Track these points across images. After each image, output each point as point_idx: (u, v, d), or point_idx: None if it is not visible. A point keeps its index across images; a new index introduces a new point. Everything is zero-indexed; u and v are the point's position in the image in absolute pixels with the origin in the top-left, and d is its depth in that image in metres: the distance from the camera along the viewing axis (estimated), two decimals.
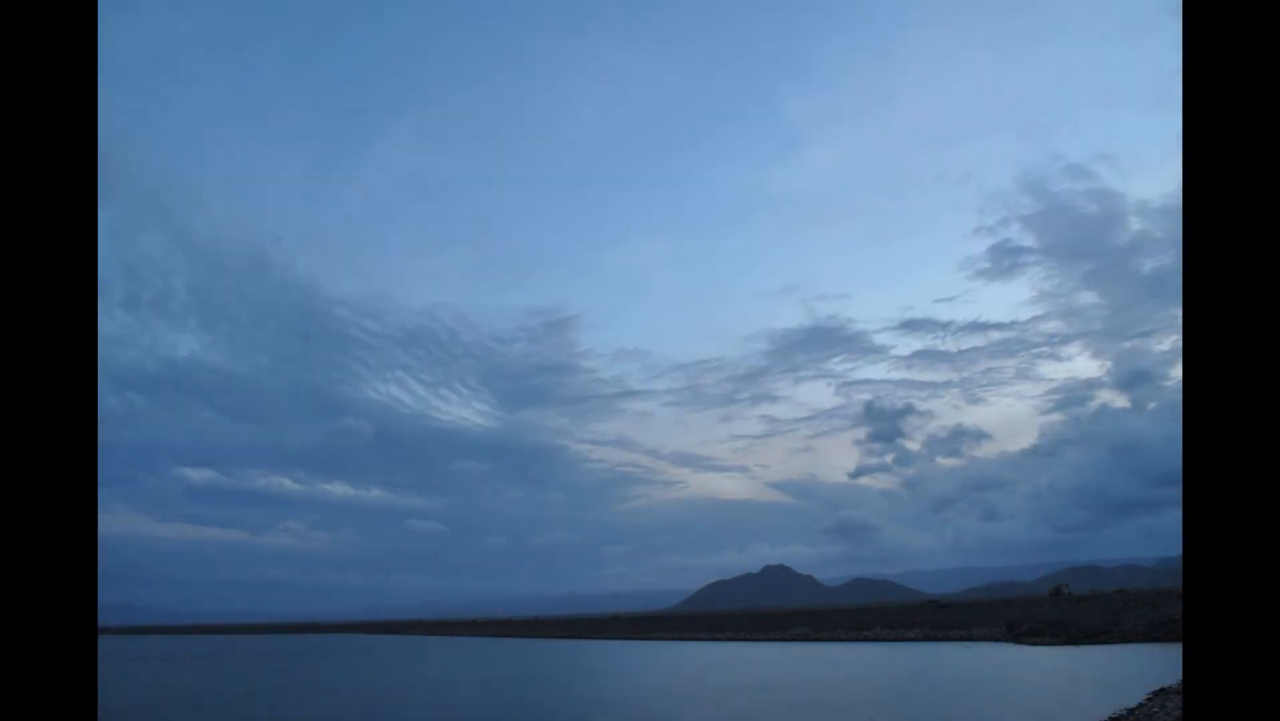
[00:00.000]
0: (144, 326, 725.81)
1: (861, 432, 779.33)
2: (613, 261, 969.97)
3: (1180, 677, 25.75)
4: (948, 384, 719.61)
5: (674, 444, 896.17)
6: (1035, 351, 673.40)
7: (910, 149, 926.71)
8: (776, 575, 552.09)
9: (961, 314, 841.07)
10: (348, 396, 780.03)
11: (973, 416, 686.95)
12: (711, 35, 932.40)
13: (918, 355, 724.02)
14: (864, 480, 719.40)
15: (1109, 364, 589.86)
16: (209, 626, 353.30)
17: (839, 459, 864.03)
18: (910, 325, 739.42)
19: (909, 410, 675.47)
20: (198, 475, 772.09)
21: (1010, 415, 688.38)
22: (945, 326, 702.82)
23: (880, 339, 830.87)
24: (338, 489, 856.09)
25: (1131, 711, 26.46)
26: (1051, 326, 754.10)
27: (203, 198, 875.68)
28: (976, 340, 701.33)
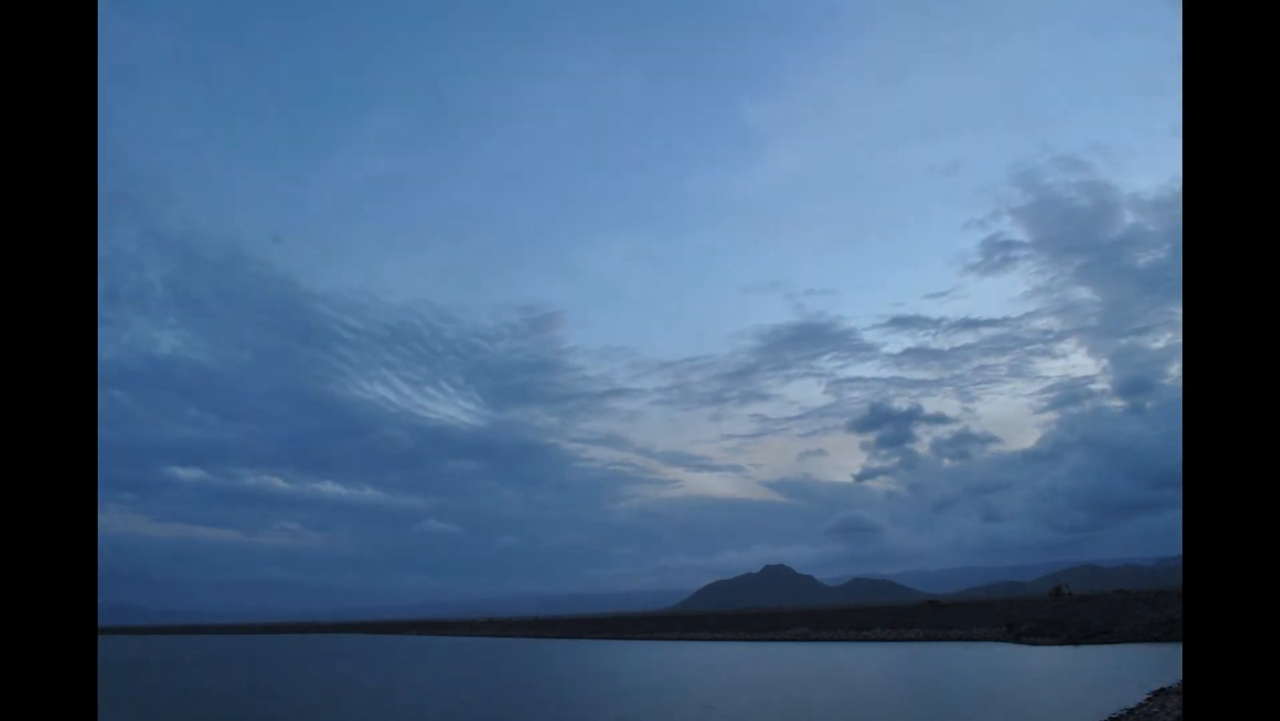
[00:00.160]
0: (124, 323, 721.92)
1: (854, 430, 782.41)
2: (584, 260, 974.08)
3: (1180, 677, 25.75)
4: (939, 381, 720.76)
5: (665, 443, 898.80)
6: (1029, 348, 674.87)
7: (895, 143, 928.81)
8: (777, 575, 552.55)
9: (953, 310, 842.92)
10: (333, 394, 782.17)
11: (967, 414, 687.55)
12: (672, 40, 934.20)
13: (908, 352, 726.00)
14: (864, 481, 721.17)
15: (1105, 361, 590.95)
16: (209, 627, 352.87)
17: (834, 458, 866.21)
18: (900, 322, 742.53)
19: (903, 408, 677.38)
20: (187, 474, 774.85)
21: (1006, 413, 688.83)
22: (936, 323, 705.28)
23: (870, 336, 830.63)
24: (329, 488, 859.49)
25: (1131, 711, 26.44)
26: (1045, 323, 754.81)
27: (172, 194, 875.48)
28: (968, 337, 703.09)
